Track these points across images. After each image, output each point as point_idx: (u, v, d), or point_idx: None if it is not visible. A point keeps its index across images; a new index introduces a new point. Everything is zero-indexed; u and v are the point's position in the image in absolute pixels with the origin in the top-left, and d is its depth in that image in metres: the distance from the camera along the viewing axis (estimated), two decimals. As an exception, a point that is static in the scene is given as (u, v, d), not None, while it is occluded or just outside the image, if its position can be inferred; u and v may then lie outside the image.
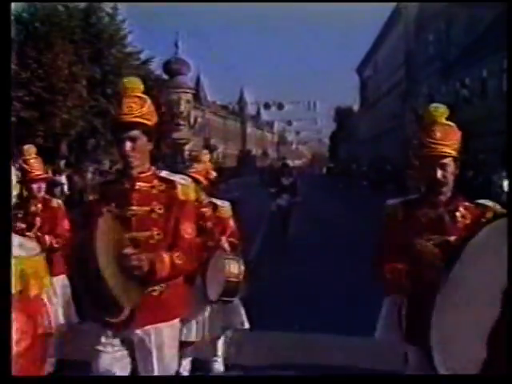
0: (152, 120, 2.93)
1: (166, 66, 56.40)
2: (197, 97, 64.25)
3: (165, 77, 55.10)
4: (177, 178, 2.99)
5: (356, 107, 71.56)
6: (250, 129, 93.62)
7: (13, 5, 27.02)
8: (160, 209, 2.86)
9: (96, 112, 30.05)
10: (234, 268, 4.25)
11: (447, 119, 3.06)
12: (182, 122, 55.46)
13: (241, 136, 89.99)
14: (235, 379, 3.29)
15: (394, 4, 41.89)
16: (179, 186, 2.93)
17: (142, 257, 2.64)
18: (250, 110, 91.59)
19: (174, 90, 55.60)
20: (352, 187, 36.07)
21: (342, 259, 10.43)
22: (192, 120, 60.31)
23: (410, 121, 39.00)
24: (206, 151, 4.95)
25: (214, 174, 4.82)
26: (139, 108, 2.86)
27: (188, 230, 2.90)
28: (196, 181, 4.31)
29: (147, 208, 2.85)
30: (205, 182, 4.56)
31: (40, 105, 26.36)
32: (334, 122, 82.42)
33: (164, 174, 3.02)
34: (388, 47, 47.51)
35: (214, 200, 4.68)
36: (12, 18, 26.99)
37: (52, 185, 21.24)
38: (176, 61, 57.73)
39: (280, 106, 57.82)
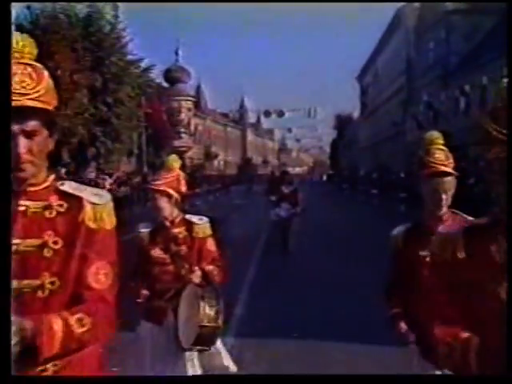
0: (53, 103, 1.83)
1: (167, 74, 56.72)
2: (197, 104, 64.41)
3: (165, 85, 55.39)
4: (87, 193, 1.90)
5: (356, 114, 71.71)
6: (250, 136, 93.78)
7: (14, 13, 27.21)
8: (56, 242, 1.80)
9: (96, 120, 30.14)
10: (211, 309, 3.27)
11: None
12: (182, 130, 55.67)
13: (241, 144, 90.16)
14: (235, 379, 3.27)
15: (394, 11, 42.12)
16: (88, 207, 1.86)
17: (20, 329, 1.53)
18: (251, 117, 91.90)
19: (175, 98, 55.85)
20: (358, 195, 35.00)
21: (348, 276, 10.24)
22: (192, 128, 60.54)
23: (410, 128, 39.10)
24: (175, 157, 3.89)
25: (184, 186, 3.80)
26: (35, 85, 1.77)
27: (99, 275, 1.83)
28: (166, 194, 3.62)
29: (36, 241, 1.78)
30: (176, 195, 3.67)
31: (41, 113, 26.42)
32: (335, 129, 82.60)
33: (68, 186, 1.90)
34: (388, 55, 47.64)
35: (188, 217, 3.75)
36: (13, 26, 27.14)
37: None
38: (176, 69, 58.06)
39: (280, 114, 57.98)
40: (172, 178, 3.69)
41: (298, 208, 12.20)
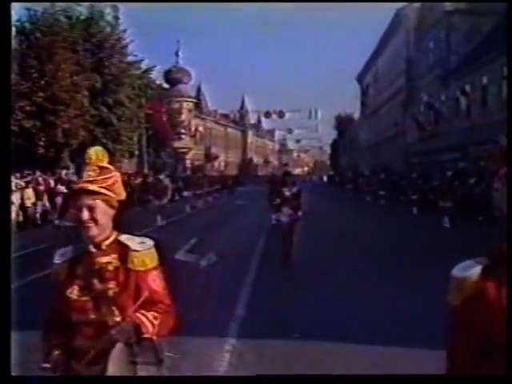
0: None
1: (167, 75, 56.78)
2: (198, 105, 64.41)
3: (166, 86, 55.45)
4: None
5: (357, 115, 71.73)
6: (250, 137, 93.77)
7: (15, 15, 27.23)
8: None
9: (97, 121, 30.17)
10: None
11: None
12: (183, 131, 55.71)
13: (242, 144, 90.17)
14: (235, 379, 3.24)
15: (394, 12, 42.13)
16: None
17: None
18: (251, 118, 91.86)
19: (175, 99, 55.91)
20: (364, 196, 33.39)
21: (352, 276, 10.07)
22: (193, 129, 60.59)
23: (410, 128, 39.10)
24: (96, 148, 2.45)
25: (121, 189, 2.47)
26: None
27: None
28: (105, 200, 2.35)
29: None
30: (115, 203, 2.42)
31: (42, 115, 26.47)
32: (335, 129, 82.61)
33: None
34: (388, 55, 47.64)
35: (124, 238, 2.45)
36: (14, 28, 27.16)
37: (53, 194, 21.27)
38: (177, 70, 58.12)
39: (281, 114, 57.92)
40: (110, 178, 2.40)
41: (300, 212, 10.86)
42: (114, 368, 2.20)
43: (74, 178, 12.21)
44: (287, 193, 10.91)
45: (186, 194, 27.38)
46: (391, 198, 28.43)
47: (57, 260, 2.48)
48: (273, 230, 12.67)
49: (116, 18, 32.64)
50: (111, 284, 2.36)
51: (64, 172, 12.73)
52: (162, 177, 22.92)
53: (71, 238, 11.50)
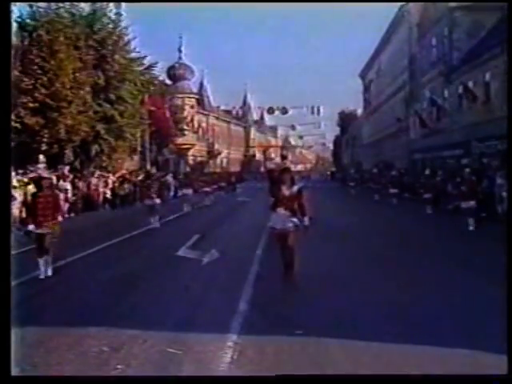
0: None
1: (170, 71, 56.81)
2: (200, 102, 64.38)
3: (168, 82, 55.42)
4: None
5: (359, 111, 71.62)
6: (253, 133, 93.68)
7: (17, 12, 27.23)
8: None
9: (99, 118, 30.16)
10: None
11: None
12: (185, 127, 55.71)
13: (244, 141, 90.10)
14: (235, 379, 3.23)
15: (397, 8, 42.03)
16: None
17: None
18: (254, 114, 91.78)
19: (178, 95, 55.93)
20: (372, 194, 31.75)
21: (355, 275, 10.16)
22: (196, 125, 60.58)
23: (413, 125, 39.02)
24: None
25: None
26: None
27: None
28: None
29: None
30: None
31: (44, 111, 26.47)
32: (338, 126, 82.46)
33: None
34: (391, 51, 47.51)
35: None
36: (16, 25, 27.16)
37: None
38: (179, 66, 58.16)
39: (284, 111, 57.80)
40: None
41: (306, 218, 8.59)
42: None
43: (45, 174, 11.48)
44: (286, 192, 8.70)
45: (185, 191, 26.94)
46: (403, 197, 28.03)
47: None
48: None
49: (118, 14, 32.60)
50: None
51: (45, 173, 11.37)
52: (152, 170, 22.68)
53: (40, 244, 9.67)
